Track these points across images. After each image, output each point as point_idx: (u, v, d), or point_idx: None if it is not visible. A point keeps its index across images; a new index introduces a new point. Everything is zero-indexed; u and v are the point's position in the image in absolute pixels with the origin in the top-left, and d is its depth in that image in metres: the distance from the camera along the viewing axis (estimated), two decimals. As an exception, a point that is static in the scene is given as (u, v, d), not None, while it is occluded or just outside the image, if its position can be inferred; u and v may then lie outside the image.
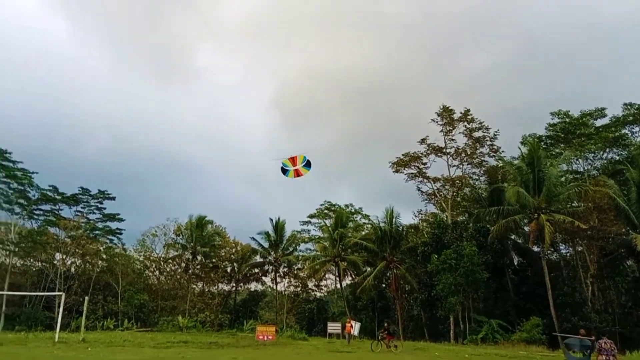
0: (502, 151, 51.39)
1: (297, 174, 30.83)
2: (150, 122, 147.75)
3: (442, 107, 53.26)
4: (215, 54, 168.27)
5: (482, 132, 51.66)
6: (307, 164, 30.75)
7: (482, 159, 52.06)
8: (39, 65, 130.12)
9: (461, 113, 52.42)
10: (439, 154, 53.53)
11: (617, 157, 48.10)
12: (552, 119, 49.63)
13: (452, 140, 53.09)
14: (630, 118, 48.58)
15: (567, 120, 48.78)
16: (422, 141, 53.60)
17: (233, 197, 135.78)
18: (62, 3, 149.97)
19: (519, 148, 45.10)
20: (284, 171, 30.88)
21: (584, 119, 48.35)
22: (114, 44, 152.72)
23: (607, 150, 48.70)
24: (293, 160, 30.58)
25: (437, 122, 53.42)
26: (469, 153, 52.06)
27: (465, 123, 52.33)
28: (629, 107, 48.69)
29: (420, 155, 53.78)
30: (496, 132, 51.36)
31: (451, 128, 53.00)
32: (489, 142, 51.47)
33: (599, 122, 48.87)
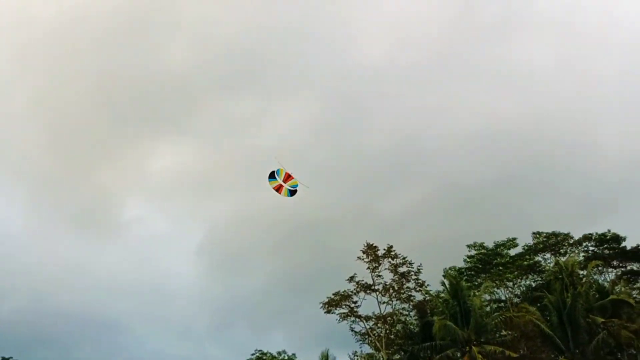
0: (428, 284, 52.37)
1: (279, 188, 30.16)
2: (72, 279, 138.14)
3: (366, 244, 54.59)
4: (144, 205, 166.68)
5: (407, 266, 52.83)
6: (293, 192, 30.18)
7: (410, 293, 52.55)
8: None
9: (385, 249, 53.84)
10: (368, 291, 53.55)
11: (534, 284, 50.43)
12: (470, 251, 52.08)
13: (379, 276, 53.70)
14: (540, 246, 52.08)
15: (483, 251, 51.40)
16: (351, 279, 53.75)
17: (162, 353, 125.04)
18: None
19: (442, 282, 46.30)
20: (272, 176, 30.08)
21: (498, 249, 51.17)
22: (33, 197, 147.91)
23: (524, 277, 51.08)
24: (288, 176, 30.06)
25: (363, 259, 54.29)
26: (396, 289, 52.52)
27: (390, 259, 53.51)
28: (537, 235, 52.46)
29: (350, 293, 53.54)
30: (419, 266, 52.74)
31: (377, 265, 53.87)
32: (414, 277, 52.45)
33: (513, 252, 51.88)
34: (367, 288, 53.58)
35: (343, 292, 53.62)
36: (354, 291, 53.62)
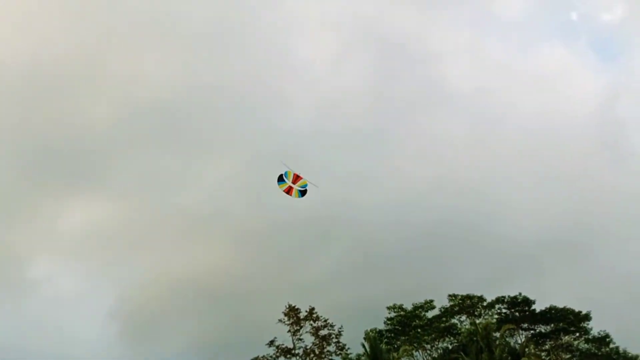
0: (348, 348, 51.82)
1: (289, 190, 30.61)
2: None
3: (288, 306, 53.59)
4: (52, 264, 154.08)
5: (328, 329, 52.18)
6: (303, 192, 30.62)
7: (330, 358, 51.64)
8: None
9: (306, 312, 53.06)
10: (289, 356, 52.05)
11: (451, 346, 51.33)
12: (389, 313, 52.51)
13: (300, 340, 52.53)
14: (456, 308, 53.52)
15: (402, 313, 52.00)
16: (271, 343, 52.17)
17: None
18: None
19: (363, 344, 45.99)
20: (280, 179, 30.58)
21: (416, 311, 52.00)
22: None
23: (441, 339, 51.94)
24: (296, 177, 30.46)
25: (284, 322, 53.08)
26: (317, 353, 51.46)
27: (311, 321, 52.70)
28: (453, 297, 53.98)
29: (270, 358, 51.82)
30: (340, 328, 52.25)
31: (298, 327, 52.81)
32: (335, 340, 51.78)
33: (431, 314, 52.87)
34: (287, 352, 52.13)
35: (262, 357, 51.82)
36: (274, 356, 51.97)
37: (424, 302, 53.23)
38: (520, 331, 53.75)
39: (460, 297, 53.44)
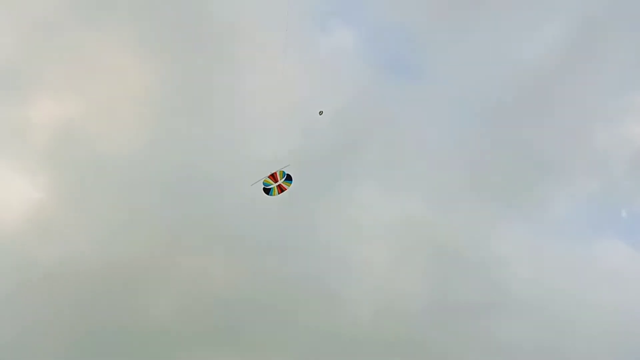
0: None
1: (281, 189, 31.59)
2: None
3: None
4: None
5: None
6: (288, 178, 31.62)
7: None
8: None
9: None
10: None
11: None
12: None
13: None
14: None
15: None
16: None
17: None
18: None
19: None
20: (267, 191, 31.55)
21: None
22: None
23: None
24: (273, 177, 31.42)
25: None
26: None
27: None
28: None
29: None
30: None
31: None
32: None
33: None
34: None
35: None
36: None
37: None
38: None
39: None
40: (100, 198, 57.11)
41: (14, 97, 60.41)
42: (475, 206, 61.99)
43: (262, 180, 32.11)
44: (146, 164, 58.03)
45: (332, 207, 61.75)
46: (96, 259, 54.12)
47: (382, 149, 64.97)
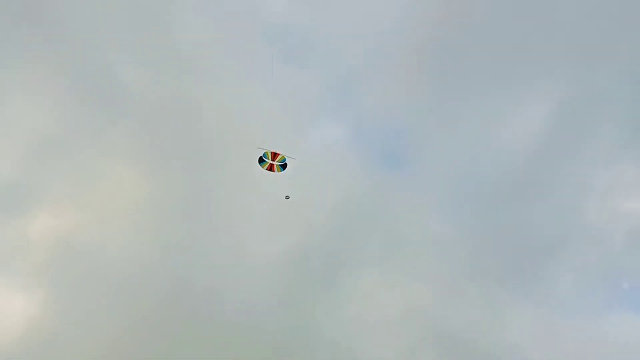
0: None
1: (271, 168, 32.86)
2: None
3: None
4: None
5: None
6: (284, 166, 32.89)
7: None
8: None
9: None
10: None
11: None
12: None
13: None
14: None
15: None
16: None
17: None
18: None
19: None
20: (261, 160, 32.83)
21: None
22: None
23: None
24: (274, 155, 32.55)
25: None
26: None
27: None
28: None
29: None
30: None
31: None
32: None
33: None
34: None
35: None
36: None
37: None
38: None
39: None
40: (98, 312, 55.75)
41: (14, 212, 60.29)
42: (482, 292, 61.29)
43: (264, 151, 33.84)
44: (144, 275, 57.51)
45: (336, 301, 60.82)
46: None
47: (383, 239, 65.13)
